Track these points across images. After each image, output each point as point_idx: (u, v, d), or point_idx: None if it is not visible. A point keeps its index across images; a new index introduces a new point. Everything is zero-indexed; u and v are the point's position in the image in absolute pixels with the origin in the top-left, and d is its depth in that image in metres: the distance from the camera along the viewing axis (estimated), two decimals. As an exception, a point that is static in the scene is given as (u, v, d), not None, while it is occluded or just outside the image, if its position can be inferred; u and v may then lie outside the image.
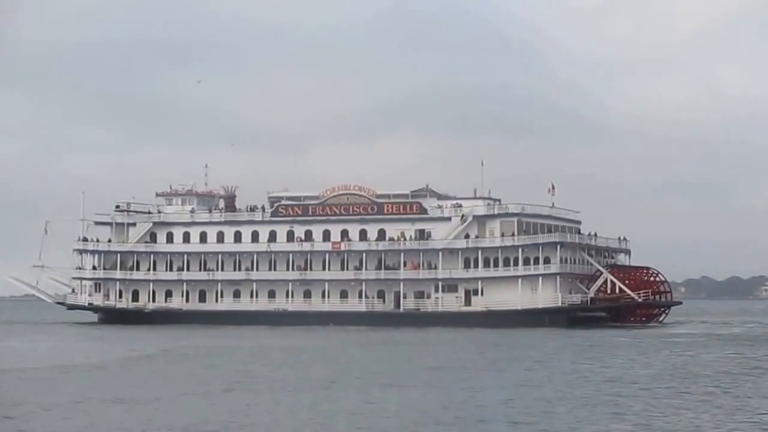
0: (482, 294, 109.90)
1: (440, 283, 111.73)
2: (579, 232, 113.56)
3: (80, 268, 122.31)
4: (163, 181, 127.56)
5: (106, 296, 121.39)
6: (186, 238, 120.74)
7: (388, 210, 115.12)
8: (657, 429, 34.85)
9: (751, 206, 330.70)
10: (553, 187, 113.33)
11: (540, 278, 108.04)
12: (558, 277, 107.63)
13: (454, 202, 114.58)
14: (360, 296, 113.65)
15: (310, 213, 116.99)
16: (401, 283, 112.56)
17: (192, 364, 60.20)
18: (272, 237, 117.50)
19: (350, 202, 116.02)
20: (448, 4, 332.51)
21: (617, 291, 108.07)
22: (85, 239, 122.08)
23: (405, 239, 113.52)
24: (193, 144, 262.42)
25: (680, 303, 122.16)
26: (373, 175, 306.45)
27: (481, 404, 40.51)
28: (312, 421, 36.73)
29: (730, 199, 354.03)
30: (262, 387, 46.69)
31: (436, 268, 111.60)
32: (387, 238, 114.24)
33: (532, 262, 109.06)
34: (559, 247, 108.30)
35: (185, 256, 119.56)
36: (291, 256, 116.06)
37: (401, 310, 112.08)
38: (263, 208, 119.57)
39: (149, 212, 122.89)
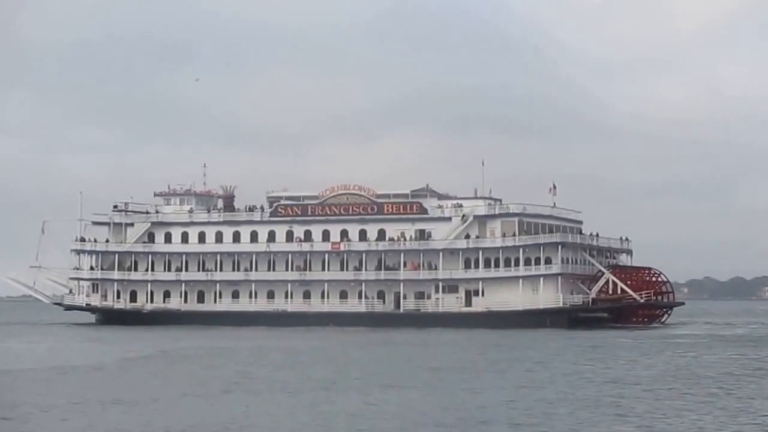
0: (483, 294, 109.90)
1: (441, 284, 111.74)
2: (580, 233, 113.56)
3: (78, 269, 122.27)
4: (162, 181, 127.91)
5: (104, 297, 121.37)
6: (184, 238, 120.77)
7: (388, 210, 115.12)
8: (659, 431, 34.87)
9: (754, 206, 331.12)
10: (554, 187, 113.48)
11: (541, 279, 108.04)
12: (559, 277, 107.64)
13: (455, 202, 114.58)
14: (360, 297, 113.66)
15: (309, 213, 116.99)
16: (401, 284, 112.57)
17: (190, 365, 60.20)
18: (271, 237, 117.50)
19: (350, 202, 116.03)
20: (448, 4, 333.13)
21: (619, 292, 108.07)
22: (82, 239, 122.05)
23: (405, 239, 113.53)
24: (191, 144, 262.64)
25: (682, 304, 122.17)
26: (373, 175, 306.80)
27: (482, 405, 40.52)
28: (312, 422, 36.75)
29: (734, 199, 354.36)
30: (261, 388, 46.71)
31: (436, 268, 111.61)
32: (387, 239, 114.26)
33: (533, 262, 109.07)
34: (560, 247, 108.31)
35: (183, 256, 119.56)
36: (290, 256, 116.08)
37: (401, 310, 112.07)
38: (262, 208, 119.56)
39: (147, 212, 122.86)
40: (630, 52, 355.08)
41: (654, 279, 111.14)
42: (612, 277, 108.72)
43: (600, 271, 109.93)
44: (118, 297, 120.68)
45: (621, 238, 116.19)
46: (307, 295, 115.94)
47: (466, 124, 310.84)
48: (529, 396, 43.35)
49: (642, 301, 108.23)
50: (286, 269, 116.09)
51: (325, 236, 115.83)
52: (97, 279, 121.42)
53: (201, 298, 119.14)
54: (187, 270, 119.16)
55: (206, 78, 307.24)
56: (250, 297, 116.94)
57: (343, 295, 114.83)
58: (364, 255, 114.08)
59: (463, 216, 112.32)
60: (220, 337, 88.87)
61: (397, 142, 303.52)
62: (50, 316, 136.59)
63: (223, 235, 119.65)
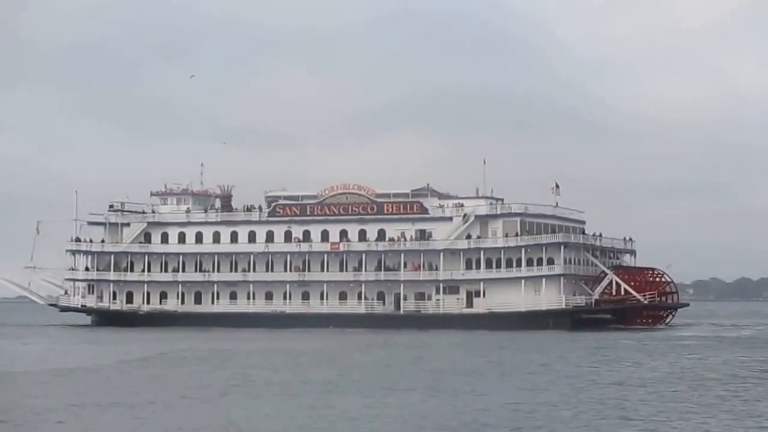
0: (484, 295, 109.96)
1: (441, 285, 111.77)
2: (583, 233, 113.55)
3: (73, 269, 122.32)
4: (158, 181, 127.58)
5: (100, 298, 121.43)
6: (181, 238, 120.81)
7: (388, 210, 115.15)
8: (664, 434, 34.95)
9: (761, 207, 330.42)
10: (557, 186, 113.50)
11: (543, 279, 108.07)
12: (562, 278, 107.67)
13: (456, 201, 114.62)
14: (359, 298, 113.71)
15: (308, 213, 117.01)
16: (401, 285, 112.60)
17: (188, 367, 60.21)
18: (269, 237, 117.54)
19: (349, 201, 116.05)
20: (449, 4, 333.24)
21: (622, 293, 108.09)
22: (78, 240, 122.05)
23: (405, 239, 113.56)
24: (188, 142, 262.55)
25: (687, 305, 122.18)
26: (374, 175, 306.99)
27: (484, 408, 40.55)
28: (312, 425, 36.78)
29: (740, 199, 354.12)
30: (260, 391, 46.74)
31: (437, 269, 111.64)
32: (387, 239, 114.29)
33: (535, 263, 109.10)
34: (562, 247, 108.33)
35: (180, 256, 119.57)
36: (289, 256, 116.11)
37: (401, 312, 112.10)
38: (260, 208, 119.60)
39: (143, 212, 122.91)
40: (632, 51, 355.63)
41: (658, 280, 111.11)
42: (615, 278, 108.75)
43: (603, 271, 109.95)
44: (114, 298, 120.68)
45: (624, 239, 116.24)
46: (305, 296, 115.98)
47: (467, 124, 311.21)
48: (532, 399, 43.37)
49: (646, 302, 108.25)
50: (285, 270, 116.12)
51: (324, 236, 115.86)
52: (92, 280, 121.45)
53: (198, 299, 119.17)
54: (184, 271, 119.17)
55: (205, 77, 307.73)
56: (248, 298, 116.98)
57: (343, 296, 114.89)
58: (363, 255, 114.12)
59: (465, 216, 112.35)
60: (218, 339, 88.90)
61: (397, 141, 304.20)
62: (45, 318, 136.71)
63: (221, 235, 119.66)
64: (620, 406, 41.03)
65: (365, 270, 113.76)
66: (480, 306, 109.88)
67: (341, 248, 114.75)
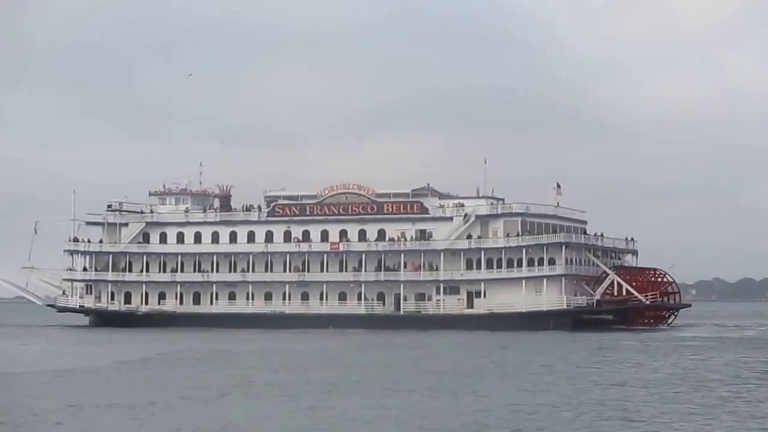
0: (485, 296, 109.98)
1: (442, 285, 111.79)
2: (585, 233, 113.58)
3: (71, 270, 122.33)
4: (157, 180, 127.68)
5: (98, 298, 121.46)
6: (180, 238, 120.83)
7: (388, 209, 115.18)
8: (666, 435, 34.98)
9: (764, 207, 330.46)
10: (558, 186, 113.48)
11: (544, 280, 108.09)
12: (563, 278, 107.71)
13: (456, 201, 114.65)
14: (359, 298, 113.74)
15: (307, 213, 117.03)
16: (401, 285, 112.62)
17: (187, 368, 60.27)
18: (269, 237, 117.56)
19: (349, 201, 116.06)
20: (449, 3, 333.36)
21: (624, 293, 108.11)
22: (75, 240, 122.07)
23: (405, 239, 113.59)
24: (187, 142, 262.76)
25: (689, 306, 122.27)
26: (373, 174, 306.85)
27: (485, 409, 40.58)
28: (312, 427, 36.82)
29: (743, 199, 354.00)
30: (259, 392, 46.77)
31: (437, 269, 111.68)
32: (387, 239, 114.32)
33: (536, 263, 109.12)
34: (564, 247, 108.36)
35: (179, 257, 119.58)
36: (288, 257, 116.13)
37: (401, 312, 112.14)
38: (259, 208, 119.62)
39: (142, 212, 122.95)
40: (632, 51, 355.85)
41: (660, 280, 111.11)
42: (617, 278, 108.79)
43: (605, 272, 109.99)
44: (113, 298, 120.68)
45: (626, 239, 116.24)
46: (305, 297, 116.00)
47: (467, 123, 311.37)
48: (533, 400, 43.40)
49: (647, 302, 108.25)
50: (284, 270, 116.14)
51: (324, 236, 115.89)
52: (90, 280, 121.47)
53: (197, 300, 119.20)
54: (182, 271, 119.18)
55: (205, 77, 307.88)
56: (247, 298, 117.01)
57: (342, 297, 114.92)
58: (363, 255, 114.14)
59: (465, 216, 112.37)
60: (217, 340, 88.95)
61: (397, 141, 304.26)
62: (43, 318, 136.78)
63: (220, 235, 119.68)
64: (622, 408, 41.05)
65: (365, 270, 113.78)
66: (481, 306, 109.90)
67: (341, 248, 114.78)
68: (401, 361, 64.22)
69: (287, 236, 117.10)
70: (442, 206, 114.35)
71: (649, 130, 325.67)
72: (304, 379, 52.61)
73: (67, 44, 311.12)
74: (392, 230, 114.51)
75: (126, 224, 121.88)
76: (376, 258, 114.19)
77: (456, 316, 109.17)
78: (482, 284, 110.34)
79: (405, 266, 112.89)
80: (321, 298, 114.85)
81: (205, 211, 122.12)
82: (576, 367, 59.36)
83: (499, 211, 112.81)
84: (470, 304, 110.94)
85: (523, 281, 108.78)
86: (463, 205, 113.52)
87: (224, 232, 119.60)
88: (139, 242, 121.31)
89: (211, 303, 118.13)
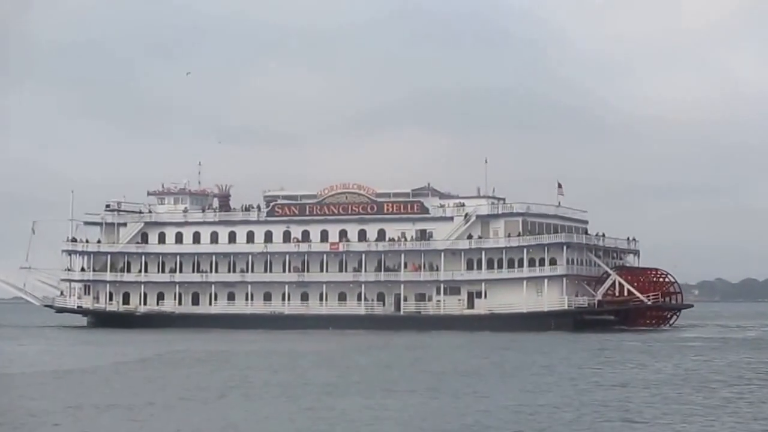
0: (486, 296, 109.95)
1: (442, 285, 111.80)
2: (586, 233, 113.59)
3: (69, 270, 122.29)
4: (155, 180, 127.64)
5: (96, 299, 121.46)
6: (178, 238, 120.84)
7: (388, 209, 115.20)
8: (668, 436, 35.00)
9: (764, 207, 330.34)
10: (560, 186, 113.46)
11: (545, 280, 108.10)
12: (564, 278, 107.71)
13: (457, 201, 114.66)
14: (359, 299, 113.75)
15: (307, 213, 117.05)
16: (402, 285, 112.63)
17: (186, 369, 60.31)
18: (268, 237, 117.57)
19: (349, 201, 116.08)
20: (449, 2, 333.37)
21: (625, 293, 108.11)
22: (74, 240, 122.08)
23: (406, 240, 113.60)
24: (186, 141, 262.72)
25: (691, 306, 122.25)
26: (374, 174, 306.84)
27: (486, 410, 40.61)
28: (311, 428, 36.88)
29: (745, 199, 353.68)
30: (259, 392, 46.81)
31: (437, 269, 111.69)
32: (387, 239, 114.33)
33: (537, 263, 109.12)
34: (565, 247, 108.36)
35: (178, 257, 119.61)
36: (287, 257, 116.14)
37: (402, 313, 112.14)
38: (259, 208, 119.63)
39: (140, 212, 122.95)
40: (633, 51, 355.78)
41: (661, 280, 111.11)
42: (618, 279, 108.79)
43: (606, 272, 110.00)
44: (111, 299, 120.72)
45: (628, 239, 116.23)
46: (304, 297, 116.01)
47: (468, 123, 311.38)
48: (534, 401, 43.43)
49: (649, 303, 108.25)
50: (284, 270, 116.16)
51: (324, 236, 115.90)
52: (88, 280, 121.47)
53: (196, 300, 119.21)
54: (181, 271, 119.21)
55: (204, 76, 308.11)
56: (247, 299, 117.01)
57: (342, 297, 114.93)
58: (363, 256, 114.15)
59: (466, 215, 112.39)
60: (216, 341, 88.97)
61: (397, 140, 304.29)
62: (41, 319, 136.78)
63: (219, 235, 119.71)
64: (623, 408, 41.09)
65: (365, 270, 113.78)
66: (481, 307, 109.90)
67: (341, 248, 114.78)
68: (401, 362, 64.26)
69: (287, 236, 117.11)
70: (442, 206, 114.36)
71: (650, 130, 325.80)
72: (303, 379, 52.65)
73: (66, 44, 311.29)
74: (392, 230, 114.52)
75: (124, 224, 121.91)
76: (376, 258, 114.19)
77: (456, 317, 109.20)
78: (483, 284, 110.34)
79: (405, 266, 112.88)
80: (321, 299, 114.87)
81: (203, 211, 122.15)
82: (577, 368, 59.40)
83: (500, 211, 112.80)
84: (471, 305, 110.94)
85: (524, 281, 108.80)
86: (463, 205, 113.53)
87: (223, 232, 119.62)
88: (137, 242, 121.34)
89: (210, 303, 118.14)
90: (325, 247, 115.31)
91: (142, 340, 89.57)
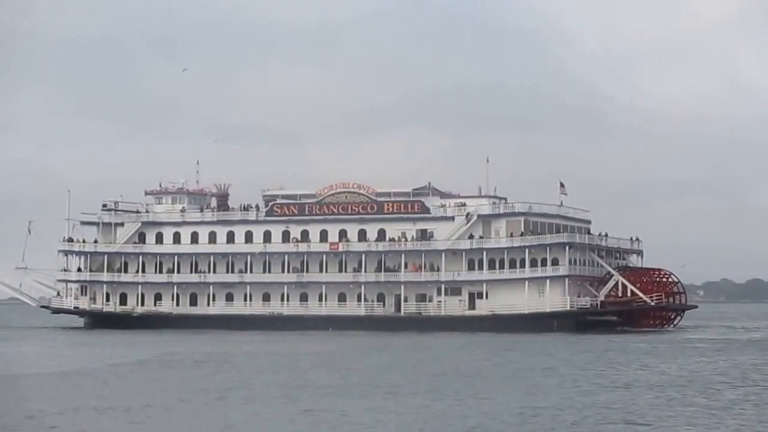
0: (487, 297, 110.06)
1: (443, 286, 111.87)
2: (589, 233, 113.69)
3: (65, 270, 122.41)
4: (152, 179, 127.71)
5: (93, 299, 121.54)
6: (176, 238, 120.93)
7: (388, 209, 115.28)
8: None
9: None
10: (562, 185, 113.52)
11: (548, 281, 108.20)
12: (566, 279, 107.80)
13: (458, 200, 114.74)
14: (359, 299, 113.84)
15: (306, 212, 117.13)
16: (402, 286, 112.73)
17: (184, 370, 60.40)
18: (267, 237, 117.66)
19: (349, 200, 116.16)
20: None
21: (629, 294, 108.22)
22: (70, 240, 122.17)
23: (406, 240, 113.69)
24: (184, 140, 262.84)
25: (695, 307, 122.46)
26: (374, 173, 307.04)
27: (488, 412, 40.68)
28: (311, 429, 36.98)
29: (751, 199, 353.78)
30: (258, 394, 46.87)
31: (438, 269, 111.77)
32: (387, 239, 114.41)
33: (539, 263, 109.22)
34: (567, 248, 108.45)
35: (175, 257, 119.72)
36: (286, 257, 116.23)
37: (402, 314, 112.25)
38: (257, 207, 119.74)
39: (138, 211, 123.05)
40: (639, 47, 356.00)
41: (665, 280, 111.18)
42: (621, 279, 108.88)
43: (609, 272, 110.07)
44: (108, 300, 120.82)
45: (631, 239, 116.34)
46: (304, 298, 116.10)
47: (469, 121, 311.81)
48: (537, 403, 43.49)
49: (653, 303, 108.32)
50: (283, 271, 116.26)
51: (323, 236, 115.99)
52: (85, 281, 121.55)
53: (193, 301, 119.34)
54: (179, 271, 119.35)
55: (203, 74, 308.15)
56: (245, 300, 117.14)
57: (342, 298, 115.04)
58: (363, 256, 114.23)
59: (467, 215, 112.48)
60: (214, 342, 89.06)
61: (398, 139, 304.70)
62: (37, 320, 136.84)
63: (217, 235, 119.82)
64: (627, 410, 41.16)
65: (365, 271, 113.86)
66: (483, 308, 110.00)
67: (340, 248, 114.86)
68: (402, 364, 64.36)
69: (286, 236, 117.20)
70: (443, 206, 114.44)
71: (654, 128, 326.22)
72: (303, 381, 52.73)
73: (62, 42, 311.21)
74: (393, 230, 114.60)
75: (121, 224, 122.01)
76: (376, 258, 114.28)
77: (457, 318, 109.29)
78: (484, 285, 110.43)
79: (405, 267, 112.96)
80: (320, 299, 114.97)
81: (202, 210, 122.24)
82: (580, 370, 59.47)
83: (502, 211, 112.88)
84: (472, 306, 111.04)
85: (526, 282, 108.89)
86: (464, 205, 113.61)
87: (221, 232, 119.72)
88: (134, 242, 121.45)
89: (208, 304, 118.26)
90: (325, 247, 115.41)
91: (139, 341, 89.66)
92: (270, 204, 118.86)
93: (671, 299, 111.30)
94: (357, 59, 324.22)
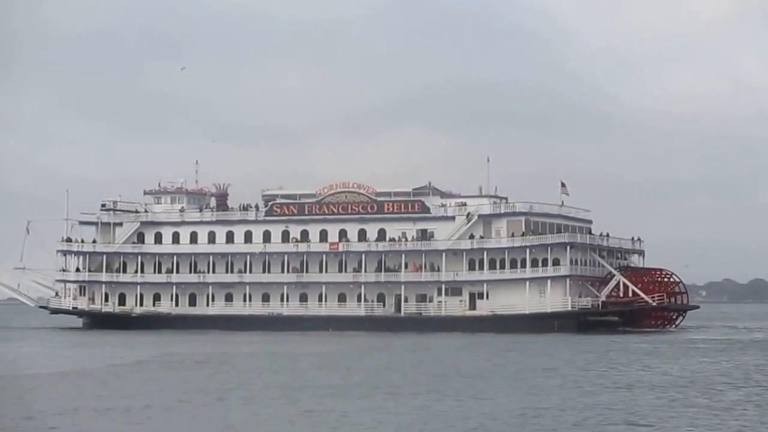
0: (488, 297, 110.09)
1: (443, 286, 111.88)
2: (590, 233, 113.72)
3: (64, 270, 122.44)
4: (151, 179, 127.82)
5: (91, 300, 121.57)
6: (175, 238, 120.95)
7: (388, 209, 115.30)
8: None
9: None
10: (563, 185, 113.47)
11: (549, 281, 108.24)
12: (568, 279, 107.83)
13: (459, 200, 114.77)
14: (359, 300, 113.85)
15: (306, 212, 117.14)
16: (402, 286, 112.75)
17: (184, 371, 60.45)
18: (266, 237, 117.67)
19: (349, 200, 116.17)
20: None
21: (630, 294, 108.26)
22: (69, 240, 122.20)
23: (406, 239, 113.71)
24: (183, 139, 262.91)
25: (697, 307, 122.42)
26: (375, 173, 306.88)
27: (489, 413, 40.72)
28: (311, 430, 36.97)
29: (754, 198, 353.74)
30: (258, 395, 46.91)
31: (439, 270, 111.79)
32: (387, 239, 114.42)
33: (540, 263, 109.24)
34: (568, 248, 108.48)
35: (174, 257, 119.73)
36: (286, 257, 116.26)
37: (402, 314, 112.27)
38: (257, 207, 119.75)
39: (137, 211, 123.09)
40: (642, 45, 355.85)
41: (666, 280, 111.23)
42: (623, 279, 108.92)
43: (610, 272, 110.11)
44: (106, 300, 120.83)
45: (632, 239, 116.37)
46: (303, 298, 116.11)
47: (470, 120, 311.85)
48: (538, 403, 43.53)
49: (654, 304, 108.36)
50: (282, 271, 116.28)
51: (323, 236, 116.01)
52: (84, 281, 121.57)
53: (193, 301, 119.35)
54: (178, 272, 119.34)
55: (202, 73, 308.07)
56: (244, 300, 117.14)
57: (342, 298, 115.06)
58: (363, 256, 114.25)
59: (468, 215, 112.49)
60: (214, 342, 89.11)
61: (398, 138, 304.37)
62: (35, 320, 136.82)
63: (216, 235, 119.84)
64: (628, 411, 41.21)
65: (365, 271, 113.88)
66: (483, 308, 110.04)
67: (340, 248, 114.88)
68: (403, 364, 64.42)
69: (285, 236, 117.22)
70: (443, 205, 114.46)
71: (656, 127, 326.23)
72: (303, 382, 52.78)
73: (59, 40, 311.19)
74: (393, 230, 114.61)
75: (120, 224, 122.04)
76: (377, 258, 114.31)
77: (458, 318, 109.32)
78: (485, 285, 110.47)
79: (406, 267, 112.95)
80: (320, 300, 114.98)
81: (201, 210, 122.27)
82: (581, 370, 59.52)
83: (502, 211, 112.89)
84: (473, 306, 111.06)
85: (527, 282, 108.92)
86: (465, 204, 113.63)
87: (221, 232, 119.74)
88: (133, 242, 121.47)
89: (208, 304, 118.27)
90: (325, 247, 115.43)
91: (138, 341, 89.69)
92: (269, 204, 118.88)
93: (673, 299, 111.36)
94: (357, 58, 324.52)
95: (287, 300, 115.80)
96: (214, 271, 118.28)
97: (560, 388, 49.86)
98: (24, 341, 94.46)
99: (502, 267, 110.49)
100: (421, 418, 39.76)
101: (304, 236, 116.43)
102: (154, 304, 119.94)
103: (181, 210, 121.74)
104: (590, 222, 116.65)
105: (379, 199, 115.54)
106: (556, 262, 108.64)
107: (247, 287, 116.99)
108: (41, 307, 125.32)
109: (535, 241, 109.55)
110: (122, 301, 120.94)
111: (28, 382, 53.54)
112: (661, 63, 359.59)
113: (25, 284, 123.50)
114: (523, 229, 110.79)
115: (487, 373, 58.01)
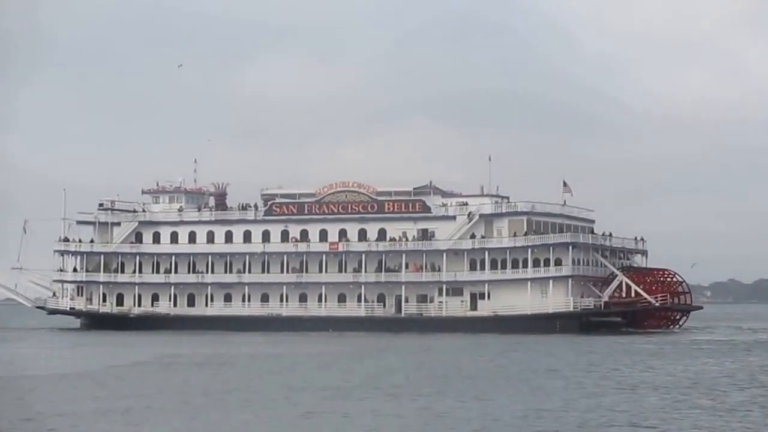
0: (489, 298, 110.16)
1: (444, 286, 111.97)
2: (592, 232, 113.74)
3: (61, 270, 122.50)
4: (150, 178, 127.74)
5: (89, 300, 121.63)
6: (174, 238, 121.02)
7: (389, 208, 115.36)
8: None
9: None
10: (566, 185, 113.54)
11: (551, 281, 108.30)
12: (570, 279, 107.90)
13: (460, 199, 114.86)
14: (359, 300, 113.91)
15: (306, 211, 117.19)
16: (403, 287, 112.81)
17: (183, 372, 60.49)
18: (266, 237, 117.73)
19: (349, 200, 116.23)
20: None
21: (633, 294, 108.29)
22: (66, 239, 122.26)
23: (407, 239, 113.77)
24: (182, 139, 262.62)
25: (700, 308, 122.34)
26: (374, 172, 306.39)
27: (491, 414, 40.80)
28: (312, 432, 37.16)
29: (757, 199, 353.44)
30: (258, 395, 46.99)
31: (439, 270, 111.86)
32: (388, 239, 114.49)
33: (542, 263, 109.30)
34: (571, 247, 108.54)
35: (173, 257, 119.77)
36: (286, 257, 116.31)
37: (403, 314, 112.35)
38: (256, 207, 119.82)
39: (135, 211, 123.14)
40: (643, 47, 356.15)
41: (669, 280, 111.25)
42: (625, 279, 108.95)
43: (613, 272, 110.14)
44: (104, 300, 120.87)
45: (635, 239, 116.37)
46: (303, 299, 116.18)
47: (471, 120, 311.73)
48: (540, 405, 43.60)
49: (657, 304, 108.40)
50: (282, 271, 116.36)
51: (323, 236, 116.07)
52: (81, 281, 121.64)
53: (191, 302, 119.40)
54: (176, 272, 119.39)
55: (201, 72, 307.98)
56: (243, 300, 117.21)
57: (342, 299, 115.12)
58: (363, 256, 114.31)
59: (469, 214, 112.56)
60: (213, 343, 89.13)
61: (399, 137, 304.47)
62: (33, 321, 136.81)
63: (215, 235, 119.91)
64: (632, 412, 41.28)
65: (365, 271, 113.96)
66: (485, 308, 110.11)
67: (340, 248, 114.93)
68: (404, 365, 64.47)
69: (285, 236, 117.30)
70: (444, 205, 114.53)
71: (658, 128, 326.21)
72: (303, 383, 52.82)
73: (57, 40, 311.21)
74: (393, 230, 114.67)
75: (118, 224, 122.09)
76: (377, 258, 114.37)
77: (459, 319, 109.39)
78: (486, 285, 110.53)
79: (406, 267, 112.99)
80: (320, 300, 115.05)
81: (199, 210, 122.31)
82: (584, 371, 59.59)
83: (504, 210, 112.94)
84: (474, 306, 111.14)
85: (529, 282, 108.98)
86: (466, 204, 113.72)
87: (220, 232, 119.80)
88: (131, 242, 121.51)
89: (206, 305, 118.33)
90: (324, 247, 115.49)
91: (136, 342, 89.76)
92: (269, 203, 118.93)
93: (676, 299, 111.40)
94: (358, 58, 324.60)
95: (287, 300, 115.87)
96: (212, 271, 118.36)
97: (563, 389, 49.93)
98: (22, 342, 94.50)
99: (504, 267, 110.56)
100: (422, 419, 39.84)
101: (304, 236, 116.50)
102: (152, 305, 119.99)
103: (180, 209, 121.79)
104: (593, 222, 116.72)
105: (379, 198, 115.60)
106: (558, 262, 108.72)
107: (246, 287, 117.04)
108: (38, 307, 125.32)
109: (537, 241, 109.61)
110: (120, 301, 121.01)
111: (26, 383, 53.62)
112: (663, 66, 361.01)
113: (22, 284, 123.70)
114: (525, 229, 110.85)
115: (489, 374, 58.07)
